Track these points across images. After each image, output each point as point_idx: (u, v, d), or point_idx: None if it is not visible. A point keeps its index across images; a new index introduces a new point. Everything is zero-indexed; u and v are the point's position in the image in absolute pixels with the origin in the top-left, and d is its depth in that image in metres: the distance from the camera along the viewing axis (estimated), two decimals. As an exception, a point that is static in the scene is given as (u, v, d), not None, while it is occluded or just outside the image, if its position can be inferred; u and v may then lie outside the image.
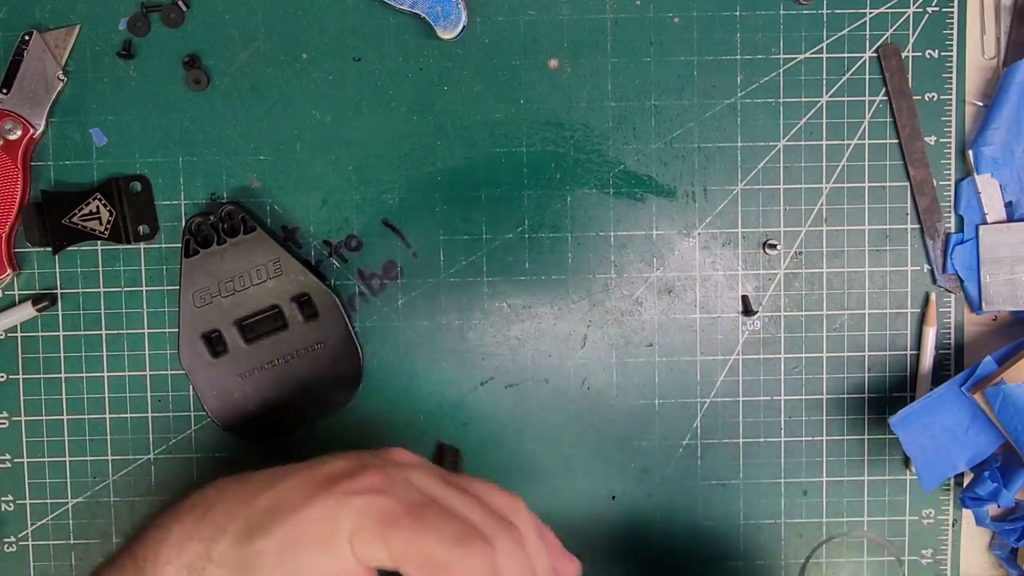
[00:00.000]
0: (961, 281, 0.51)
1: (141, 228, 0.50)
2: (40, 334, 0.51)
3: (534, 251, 0.51)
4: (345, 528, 0.33)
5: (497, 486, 0.37)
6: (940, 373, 0.51)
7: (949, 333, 0.51)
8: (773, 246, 0.51)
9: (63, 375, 0.51)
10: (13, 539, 0.51)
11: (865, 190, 0.51)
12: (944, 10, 0.50)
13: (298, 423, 0.50)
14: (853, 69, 0.50)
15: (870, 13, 0.50)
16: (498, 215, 0.51)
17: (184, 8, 0.49)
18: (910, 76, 0.50)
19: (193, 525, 0.35)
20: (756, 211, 0.51)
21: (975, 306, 0.51)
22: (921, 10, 0.50)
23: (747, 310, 0.49)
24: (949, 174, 0.51)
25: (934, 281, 0.51)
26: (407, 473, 0.36)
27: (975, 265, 0.50)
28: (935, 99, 0.51)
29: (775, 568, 0.52)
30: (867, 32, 0.50)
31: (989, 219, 0.50)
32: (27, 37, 0.49)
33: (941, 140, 0.51)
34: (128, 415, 0.51)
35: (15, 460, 0.51)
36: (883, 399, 0.52)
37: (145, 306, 0.51)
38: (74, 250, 0.50)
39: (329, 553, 0.33)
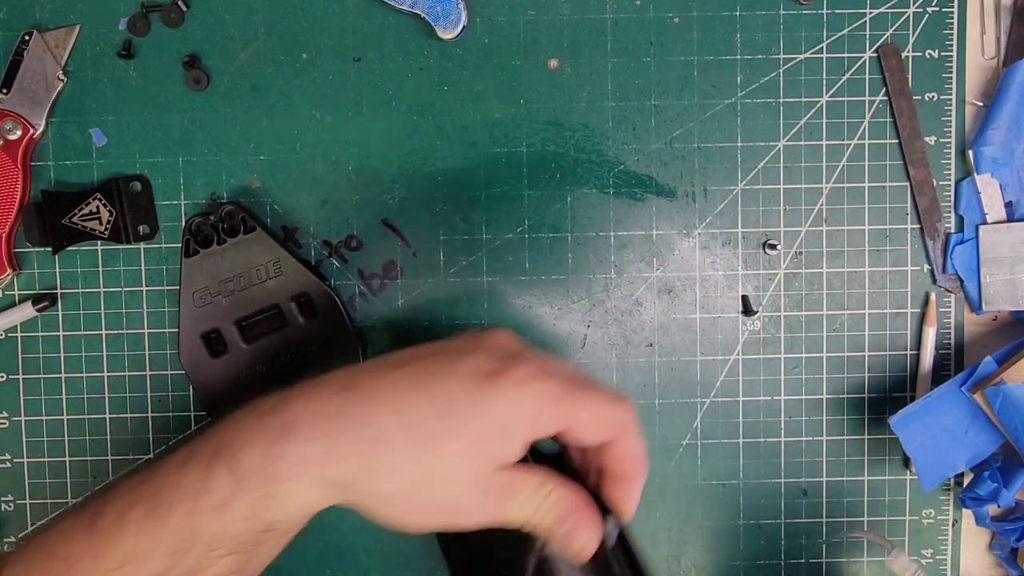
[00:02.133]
0: (961, 281, 0.51)
1: (141, 228, 0.50)
2: (40, 334, 0.51)
3: (534, 251, 0.51)
4: (525, 416, 0.34)
5: None
6: (940, 373, 0.51)
7: (949, 333, 0.51)
8: (773, 246, 0.51)
9: (63, 375, 0.51)
10: (13, 539, 0.51)
11: (865, 190, 0.51)
12: (944, 10, 0.50)
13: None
14: (853, 69, 0.50)
15: (870, 13, 0.50)
16: (498, 215, 0.51)
17: (184, 8, 0.49)
18: (910, 76, 0.50)
19: (332, 440, 0.33)
20: (756, 211, 0.51)
21: (975, 306, 0.51)
22: (921, 10, 0.50)
23: (747, 310, 0.49)
24: (949, 174, 0.51)
25: (934, 281, 0.51)
26: (536, 354, 0.37)
27: (975, 265, 0.50)
28: (935, 99, 0.51)
29: (775, 568, 0.52)
30: (867, 32, 0.50)
31: (989, 219, 0.50)
32: (27, 37, 0.49)
33: (941, 140, 0.51)
34: (128, 415, 0.51)
35: (15, 460, 0.51)
36: (883, 399, 0.52)
37: (145, 306, 0.51)
38: (74, 250, 0.50)
39: (510, 442, 0.34)
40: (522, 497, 0.35)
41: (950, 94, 0.51)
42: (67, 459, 0.51)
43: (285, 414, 0.34)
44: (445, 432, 0.33)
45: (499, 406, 0.34)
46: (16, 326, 0.50)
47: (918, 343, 0.51)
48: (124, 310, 0.51)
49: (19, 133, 0.49)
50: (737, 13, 0.50)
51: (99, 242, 0.50)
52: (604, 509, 0.37)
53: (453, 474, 0.34)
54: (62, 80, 0.49)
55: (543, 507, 0.35)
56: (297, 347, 0.49)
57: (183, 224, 0.50)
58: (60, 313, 0.50)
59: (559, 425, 0.35)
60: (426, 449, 0.33)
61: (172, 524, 0.33)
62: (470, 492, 0.34)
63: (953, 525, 0.52)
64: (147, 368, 0.51)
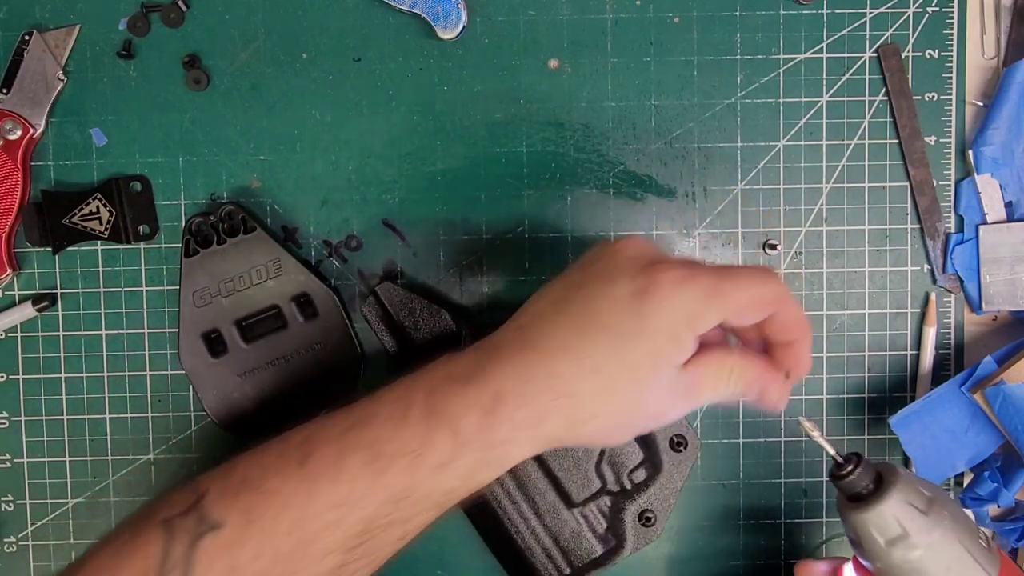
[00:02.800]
0: (961, 281, 0.51)
1: (141, 228, 0.50)
2: (40, 334, 0.51)
3: (534, 251, 0.51)
4: (686, 316, 0.35)
5: None
6: (940, 373, 0.51)
7: (949, 333, 0.51)
8: (773, 246, 0.51)
9: (63, 375, 0.51)
10: (13, 539, 0.51)
11: (865, 190, 0.51)
12: (944, 10, 0.50)
13: (298, 423, 0.49)
14: (853, 69, 0.50)
15: (870, 13, 0.50)
16: (498, 215, 0.51)
17: (184, 8, 0.49)
18: (910, 76, 0.50)
19: (536, 402, 0.36)
20: (756, 211, 0.51)
21: (975, 306, 0.51)
22: (921, 10, 0.50)
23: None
24: (949, 174, 0.51)
25: (934, 281, 0.51)
26: (674, 257, 0.38)
27: (975, 265, 0.50)
28: (935, 99, 0.51)
29: (775, 568, 0.52)
30: (867, 32, 0.50)
31: (989, 219, 0.50)
32: (27, 37, 0.49)
33: (941, 140, 0.51)
34: (128, 415, 0.51)
35: (15, 460, 0.51)
36: (883, 399, 0.52)
37: (145, 306, 0.51)
38: (74, 250, 0.50)
39: (682, 343, 0.36)
40: (709, 383, 0.37)
41: (950, 94, 0.51)
42: (67, 459, 0.51)
43: (491, 382, 0.36)
44: (626, 362, 0.36)
45: (661, 318, 0.35)
46: (16, 326, 0.50)
47: (918, 343, 0.51)
48: (124, 310, 0.51)
49: (19, 133, 0.49)
50: (737, 13, 0.50)
51: (99, 242, 0.50)
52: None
53: (645, 395, 0.36)
54: (62, 80, 0.49)
55: (731, 383, 0.38)
56: (297, 347, 0.49)
57: (183, 224, 0.50)
58: (60, 313, 0.50)
59: (720, 315, 0.36)
60: (615, 386, 0.36)
61: (391, 475, 0.35)
62: (664, 400, 0.37)
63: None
64: (147, 368, 0.51)
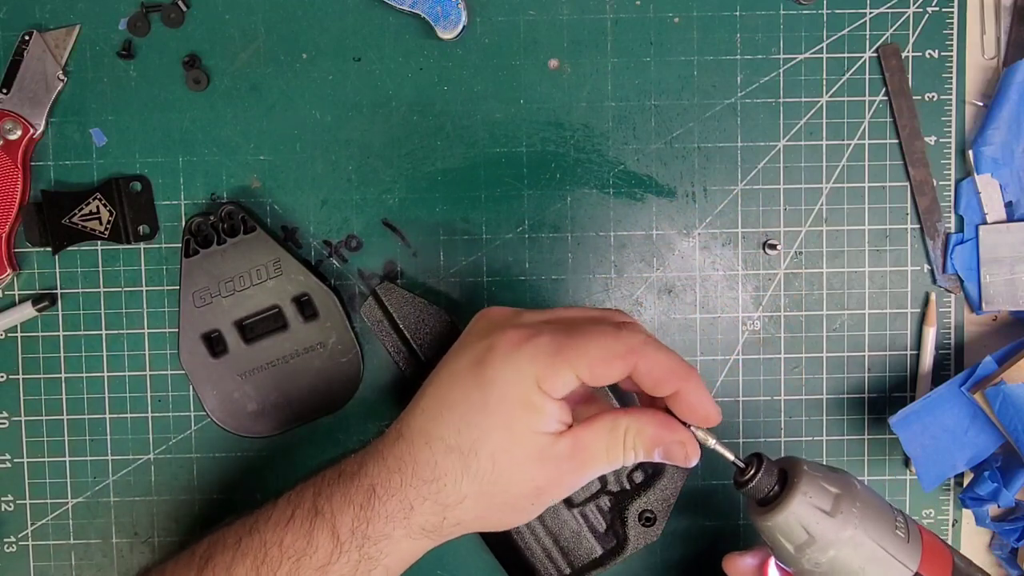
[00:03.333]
0: (961, 281, 0.51)
1: (141, 228, 0.50)
2: (40, 334, 0.51)
3: (534, 251, 0.51)
4: (531, 378, 0.34)
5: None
6: (940, 373, 0.51)
7: (949, 333, 0.51)
8: (773, 246, 0.51)
9: (63, 375, 0.51)
10: (13, 539, 0.51)
11: (865, 190, 0.51)
12: (944, 10, 0.50)
13: (298, 423, 0.50)
14: (853, 69, 0.50)
15: (870, 13, 0.50)
16: (498, 215, 0.51)
17: (184, 8, 0.49)
18: (910, 76, 0.50)
19: (403, 492, 0.36)
20: (756, 211, 0.51)
21: (975, 306, 0.51)
22: (921, 10, 0.50)
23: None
24: (949, 174, 0.51)
25: (934, 281, 0.51)
26: (526, 316, 0.37)
27: (975, 265, 0.50)
28: (935, 99, 0.51)
29: (775, 568, 0.52)
30: (867, 32, 0.50)
31: (989, 219, 0.50)
32: (27, 37, 0.49)
33: (941, 140, 0.51)
34: (128, 415, 0.51)
35: (15, 460, 0.51)
36: (883, 399, 0.52)
37: (145, 306, 0.51)
38: (74, 250, 0.50)
39: (537, 406, 0.35)
40: (598, 449, 0.36)
41: (950, 94, 0.51)
42: (67, 459, 0.51)
43: (365, 476, 0.36)
44: (476, 437, 0.35)
45: (505, 385, 0.34)
46: (16, 326, 0.50)
47: (918, 343, 0.51)
48: (124, 310, 0.51)
49: (19, 133, 0.49)
50: (737, 13, 0.50)
51: (99, 242, 0.50)
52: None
53: (512, 470, 0.35)
54: (62, 80, 0.49)
55: (627, 446, 0.36)
56: (297, 347, 0.49)
57: (183, 224, 0.50)
58: (60, 313, 0.50)
59: (570, 372, 0.35)
60: (475, 464, 0.35)
61: None
62: (538, 473, 0.35)
63: (953, 525, 0.52)
64: (147, 368, 0.51)
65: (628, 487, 0.47)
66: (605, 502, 0.47)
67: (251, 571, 0.36)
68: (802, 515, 0.36)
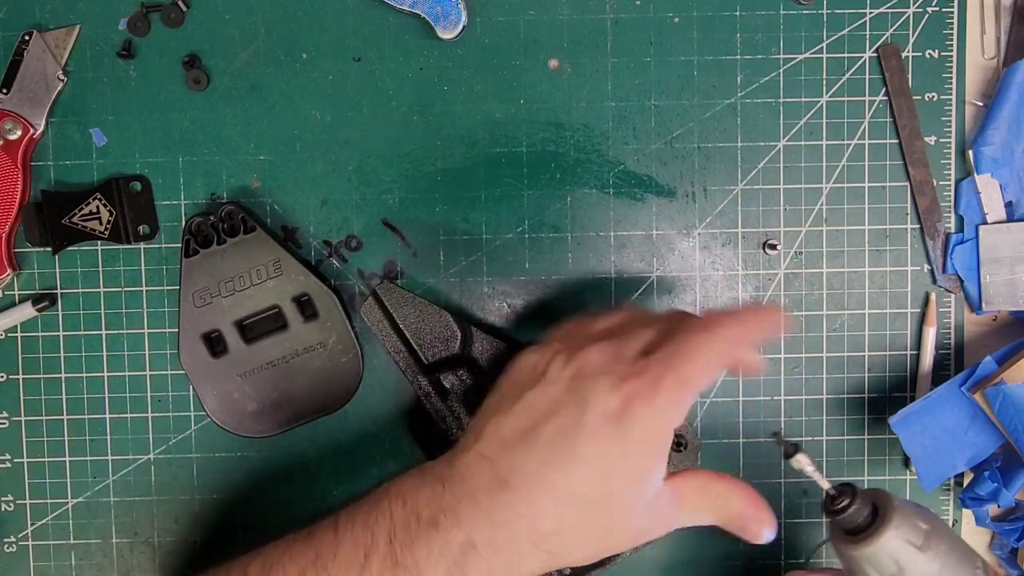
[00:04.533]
0: (961, 281, 0.51)
1: (141, 228, 0.50)
2: (40, 334, 0.51)
3: (534, 251, 0.51)
4: (662, 431, 0.35)
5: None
6: (940, 373, 0.51)
7: (949, 333, 0.51)
8: (773, 246, 0.51)
9: (63, 375, 0.51)
10: (13, 539, 0.51)
11: (865, 190, 0.51)
12: (944, 10, 0.50)
13: (298, 423, 0.50)
14: (853, 69, 0.50)
15: (870, 13, 0.50)
16: (498, 215, 0.51)
17: (184, 8, 0.49)
18: (910, 76, 0.50)
19: (512, 546, 0.35)
20: (756, 211, 0.51)
21: (975, 306, 0.51)
22: (921, 10, 0.50)
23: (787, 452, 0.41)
24: (949, 174, 0.51)
25: (934, 281, 0.51)
26: (615, 358, 0.37)
27: (975, 265, 0.50)
28: (935, 99, 0.51)
29: (775, 568, 0.52)
30: (867, 32, 0.50)
31: (989, 219, 0.50)
32: (27, 37, 0.49)
33: (941, 140, 0.51)
34: (128, 415, 0.51)
35: (15, 460, 0.51)
36: (883, 399, 0.52)
37: (145, 306, 0.51)
38: (74, 250, 0.50)
39: (660, 458, 0.36)
40: (691, 503, 0.37)
41: (950, 94, 0.51)
42: (67, 459, 0.51)
43: (460, 528, 0.35)
44: (610, 491, 0.35)
45: (642, 439, 0.35)
46: (16, 326, 0.50)
47: (918, 343, 0.51)
48: (124, 310, 0.51)
49: (19, 133, 0.49)
50: (737, 13, 0.50)
51: (99, 242, 0.50)
52: None
53: (627, 518, 0.36)
54: (62, 80, 0.49)
55: (713, 508, 0.38)
56: (297, 347, 0.49)
57: (183, 224, 0.49)
58: (60, 313, 0.50)
59: (692, 401, 0.37)
60: (600, 514, 0.35)
61: None
62: (643, 520, 0.36)
63: (953, 525, 0.52)
64: (147, 368, 0.51)
65: None
66: None
67: None
68: (894, 548, 0.37)
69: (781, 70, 0.50)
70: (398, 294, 0.48)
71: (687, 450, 0.47)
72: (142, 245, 0.50)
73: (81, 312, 0.50)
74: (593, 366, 0.37)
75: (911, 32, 0.50)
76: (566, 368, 0.37)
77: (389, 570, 0.35)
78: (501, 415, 0.37)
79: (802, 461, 0.38)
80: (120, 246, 0.50)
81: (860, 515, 0.38)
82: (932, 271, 0.51)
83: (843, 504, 0.38)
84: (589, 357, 0.37)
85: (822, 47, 0.50)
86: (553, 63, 0.50)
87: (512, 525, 0.35)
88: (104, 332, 0.51)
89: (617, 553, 0.40)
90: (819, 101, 0.50)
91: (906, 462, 0.52)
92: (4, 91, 0.49)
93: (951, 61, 0.50)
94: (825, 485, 0.39)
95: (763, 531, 0.38)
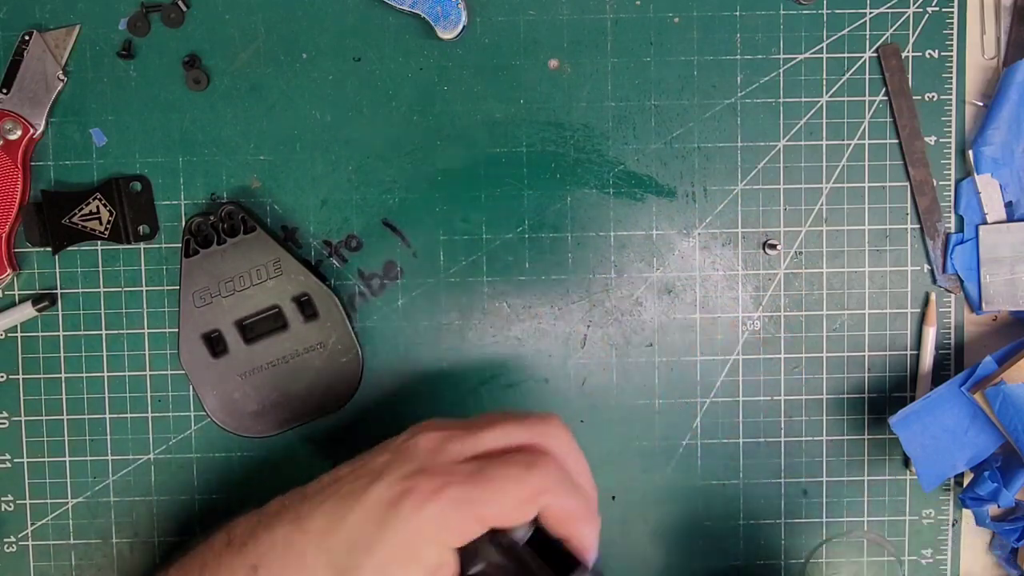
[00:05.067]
0: (961, 281, 0.51)
1: (141, 228, 0.50)
2: (40, 334, 0.51)
3: (534, 251, 0.51)
4: (429, 535, 0.35)
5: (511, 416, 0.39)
6: (940, 373, 0.51)
7: (949, 333, 0.51)
8: (773, 246, 0.51)
9: (63, 375, 0.51)
10: (13, 539, 0.51)
11: (865, 190, 0.51)
12: (944, 10, 0.50)
13: (298, 423, 0.50)
14: (853, 69, 0.50)
15: (870, 13, 0.50)
16: (498, 215, 0.51)
17: (184, 8, 0.49)
18: (910, 76, 0.50)
19: (292, 569, 0.37)
20: (756, 211, 0.51)
21: (975, 306, 0.51)
22: (921, 10, 0.50)
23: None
24: (949, 174, 0.51)
25: (934, 281, 0.51)
26: (443, 455, 0.37)
27: (975, 265, 0.50)
28: (935, 99, 0.51)
29: (775, 568, 0.52)
30: (867, 32, 0.50)
31: (989, 219, 0.50)
32: (27, 37, 0.49)
33: (941, 140, 0.51)
34: (128, 415, 0.51)
35: (15, 460, 0.51)
36: (883, 399, 0.52)
37: (145, 306, 0.51)
38: (74, 250, 0.50)
39: (420, 561, 0.35)
40: None
41: (950, 94, 0.51)
42: (67, 459, 0.51)
43: (251, 553, 0.38)
44: (354, 566, 0.35)
45: (399, 534, 0.35)
46: (16, 326, 0.50)
47: (918, 343, 0.51)
48: (124, 310, 0.51)
49: (19, 133, 0.49)
50: (737, 13, 0.50)
51: (99, 242, 0.50)
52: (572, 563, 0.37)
53: None
54: (62, 80, 0.49)
55: None
56: (297, 347, 0.49)
57: (183, 224, 0.50)
58: (60, 313, 0.50)
59: (479, 526, 0.35)
60: None
61: None
62: None
63: (953, 525, 0.52)
64: (147, 368, 0.51)
65: None
66: None
67: None
68: None
69: (781, 70, 0.50)
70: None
71: None
72: (142, 245, 0.50)
73: (81, 312, 0.50)
74: (416, 447, 0.38)
75: (911, 32, 0.50)
76: (403, 443, 0.38)
77: None
78: (346, 464, 0.40)
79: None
80: (120, 246, 0.50)
81: None
82: (932, 271, 0.51)
83: None
84: (421, 438, 0.38)
85: (822, 47, 0.50)
86: (553, 63, 0.50)
87: (284, 558, 0.37)
88: (104, 332, 0.51)
89: None
90: (819, 101, 0.50)
91: (906, 462, 0.52)
92: (4, 91, 0.49)
93: (951, 61, 0.50)
94: None
95: None
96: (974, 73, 0.51)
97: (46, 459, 0.51)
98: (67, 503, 0.51)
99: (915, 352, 0.51)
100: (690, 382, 0.51)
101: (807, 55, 0.50)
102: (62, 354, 0.51)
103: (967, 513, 0.52)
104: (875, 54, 0.50)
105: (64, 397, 0.51)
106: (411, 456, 0.37)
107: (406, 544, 0.35)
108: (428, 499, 0.35)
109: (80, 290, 0.50)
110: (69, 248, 0.50)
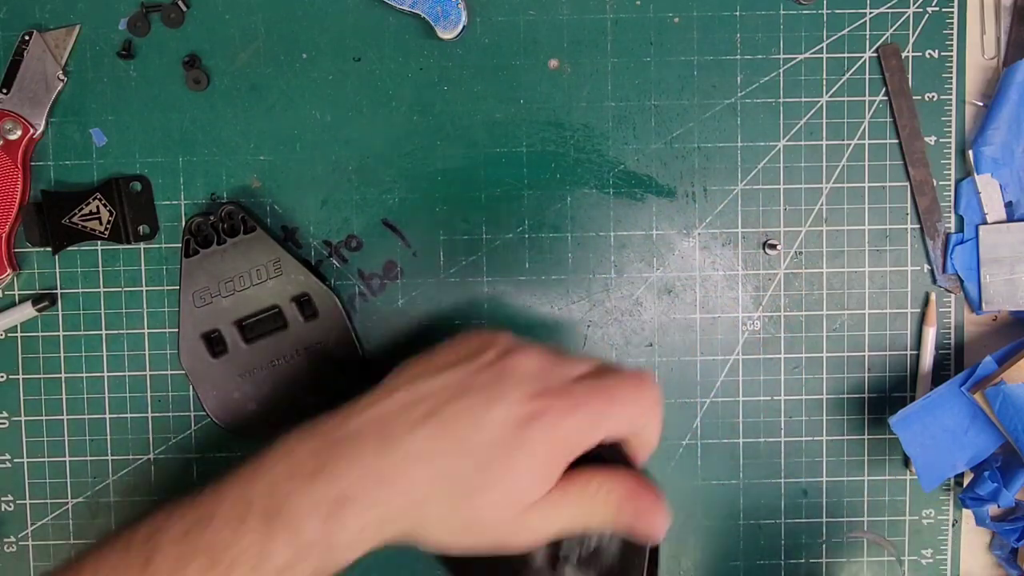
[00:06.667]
0: (961, 281, 0.51)
1: (141, 228, 0.50)
2: (40, 334, 0.51)
3: (534, 251, 0.51)
4: (560, 453, 0.35)
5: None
6: (940, 373, 0.51)
7: (949, 333, 0.51)
8: (773, 246, 0.51)
9: (63, 375, 0.51)
10: (13, 539, 0.51)
11: (865, 190, 0.51)
12: (944, 10, 0.50)
13: (298, 423, 0.49)
14: (853, 69, 0.50)
15: (870, 13, 0.50)
16: (498, 215, 0.51)
17: (184, 8, 0.49)
18: (910, 76, 0.50)
19: (385, 507, 0.35)
20: (756, 211, 0.51)
21: (975, 306, 0.51)
22: (921, 10, 0.50)
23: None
24: (949, 174, 0.51)
25: (934, 281, 0.51)
26: (555, 376, 0.37)
27: (975, 265, 0.50)
28: (935, 99, 0.51)
29: (775, 568, 0.52)
30: (867, 32, 0.50)
31: (989, 219, 0.50)
32: (27, 37, 0.49)
33: (941, 140, 0.51)
34: (128, 415, 0.51)
35: (15, 460, 0.51)
36: (883, 399, 0.52)
37: (145, 306, 0.51)
38: (74, 250, 0.50)
39: (549, 477, 0.35)
40: (568, 507, 0.36)
41: (950, 94, 0.51)
42: (67, 459, 0.51)
43: (335, 482, 0.35)
44: (485, 484, 0.35)
45: (535, 455, 0.35)
46: (16, 326, 0.50)
47: (918, 343, 0.51)
48: (124, 310, 0.51)
49: (19, 133, 0.49)
50: (737, 13, 0.50)
51: (99, 242, 0.50)
52: None
53: (498, 515, 0.35)
54: (62, 80, 0.49)
55: (596, 506, 0.36)
56: (297, 347, 0.49)
57: (183, 224, 0.50)
58: (60, 313, 0.50)
59: (596, 441, 0.36)
60: (470, 501, 0.35)
61: None
62: (518, 523, 0.35)
63: (953, 525, 0.52)
64: (147, 368, 0.51)
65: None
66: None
67: (204, 571, 0.34)
68: None
69: (781, 70, 0.50)
70: None
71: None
72: (142, 245, 0.50)
73: (81, 312, 0.50)
74: (522, 368, 0.37)
75: (911, 32, 0.50)
76: (499, 360, 0.37)
77: (264, 525, 0.34)
78: (415, 383, 0.37)
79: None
80: (120, 246, 0.50)
81: None
82: (932, 271, 0.51)
83: None
84: (523, 359, 0.37)
85: (822, 47, 0.50)
86: (553, 63, 0.50)
87: (387, 487, 0.35)
88: (104, 332, 0.51)
89: (477, 552, 0.37)
90: (819, 101, 0.50)
91: (906, 462, 0.52)
92: (4, 91, 0.49)
93: (951, 61, 0.50)
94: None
95: (657, 525, 0.36)
96: (974, 73, 0.51)
97: (46, 459, 0.51)
98: (67, 503, 0.51)
99: (915, 352, 0.51)
100: (690, 382, 0.51)
101: (807, 55, 0.50)
102: (62, 354, 0.51)
103: (967, 513, 0.52)
104: (875, 54, 0.50)
105: (64, 397, 0.51)
106: (521, 376, 0.37)
107: (543, 463, 0.35)
108: (562, 416, 0.35)
109: (80, 290, 0.50)
110: (69, 248, 0.50)
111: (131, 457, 0.51)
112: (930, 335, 0.51)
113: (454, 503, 0.35)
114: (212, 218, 0.48)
